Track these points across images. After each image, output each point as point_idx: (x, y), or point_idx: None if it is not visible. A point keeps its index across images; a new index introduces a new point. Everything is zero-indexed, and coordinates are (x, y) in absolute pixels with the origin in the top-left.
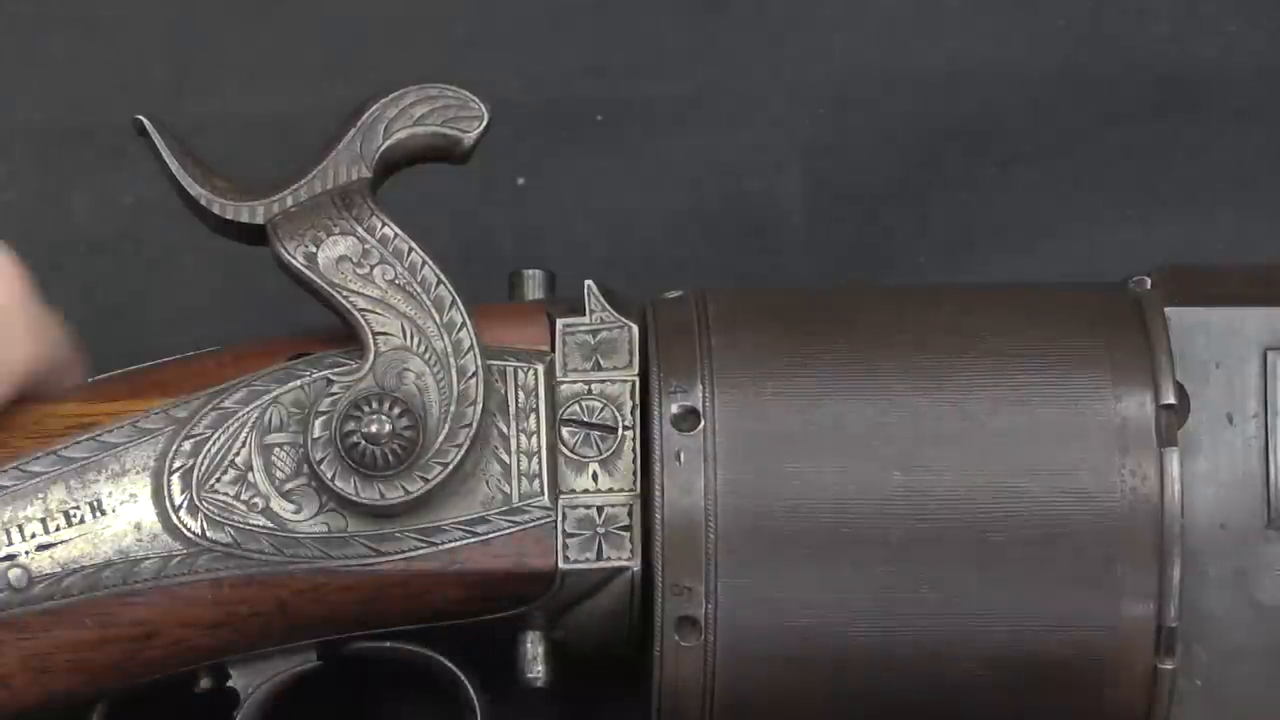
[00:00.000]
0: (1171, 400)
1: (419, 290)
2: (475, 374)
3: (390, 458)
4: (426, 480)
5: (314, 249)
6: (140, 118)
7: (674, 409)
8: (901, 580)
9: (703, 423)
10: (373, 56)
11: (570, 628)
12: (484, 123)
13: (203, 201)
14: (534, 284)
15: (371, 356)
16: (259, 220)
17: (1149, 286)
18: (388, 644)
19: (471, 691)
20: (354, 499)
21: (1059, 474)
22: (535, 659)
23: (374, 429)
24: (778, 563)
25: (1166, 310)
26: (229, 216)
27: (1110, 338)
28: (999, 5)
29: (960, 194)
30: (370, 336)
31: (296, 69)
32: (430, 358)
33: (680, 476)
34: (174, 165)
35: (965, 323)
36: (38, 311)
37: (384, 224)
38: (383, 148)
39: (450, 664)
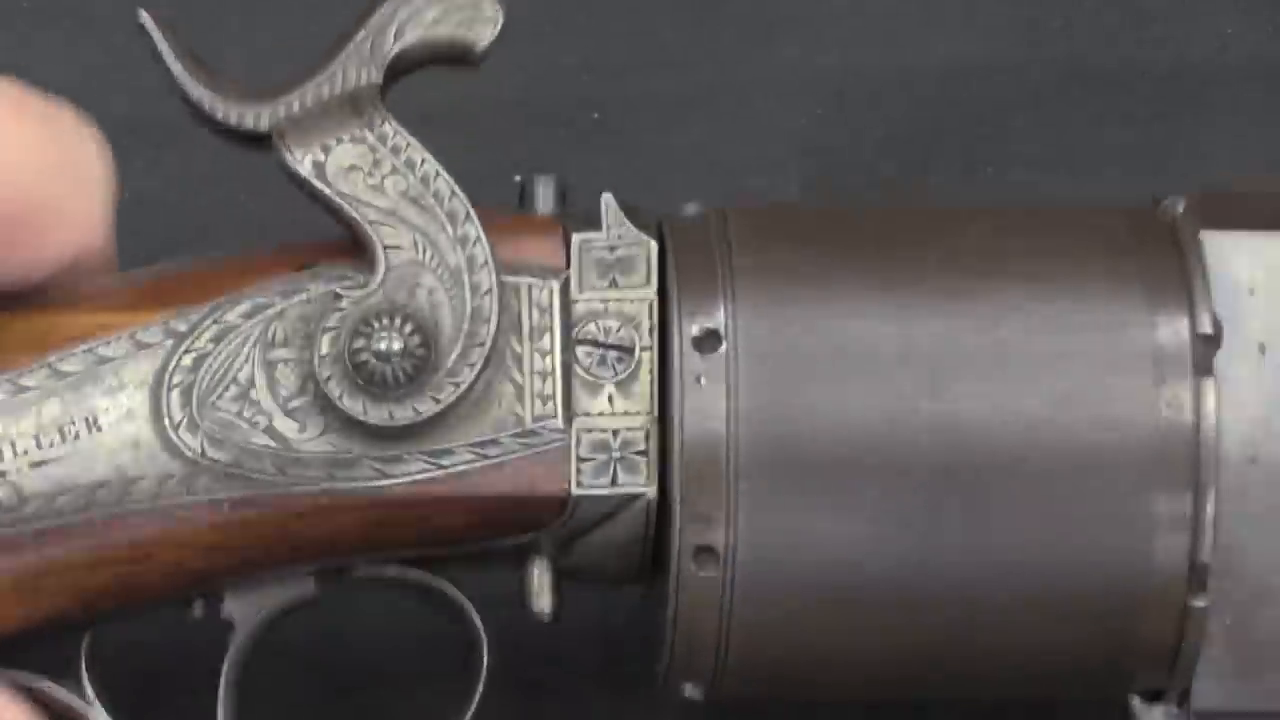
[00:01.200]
0: (1209, 329)
1: (432, 202)
2: (490, 290)
3: (401, 376)
4: (438, 400)
5: (322, 157)
6: (141, 12)
7: (694, 330)
8: (928, 511)
9: (724, 345)
10: None
11: (581, 556)
12: (498, 26)
13: (205, 105)
14: (546, 192)
15: (382, 271)
16: (264, 126)
17: (1182, 210)
18: (390, 569)
19: (476, 619)
20: (362, 419)
21: (1092, 403)
22: (542, 588)
23: (384, 346)
24: (801, 492)
25: (1201, 234)
26: (232, 122)
27: (1144, 262)
28: (998, 5)
29: (959, 192)
30: (381, 250)
31: (296, 69)
32: (443, 273)
33: (700, 400)
34: (175, 67)
35: (996, 245)
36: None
37: (396, 132)
38: (393, 51)
39: (455, 591)
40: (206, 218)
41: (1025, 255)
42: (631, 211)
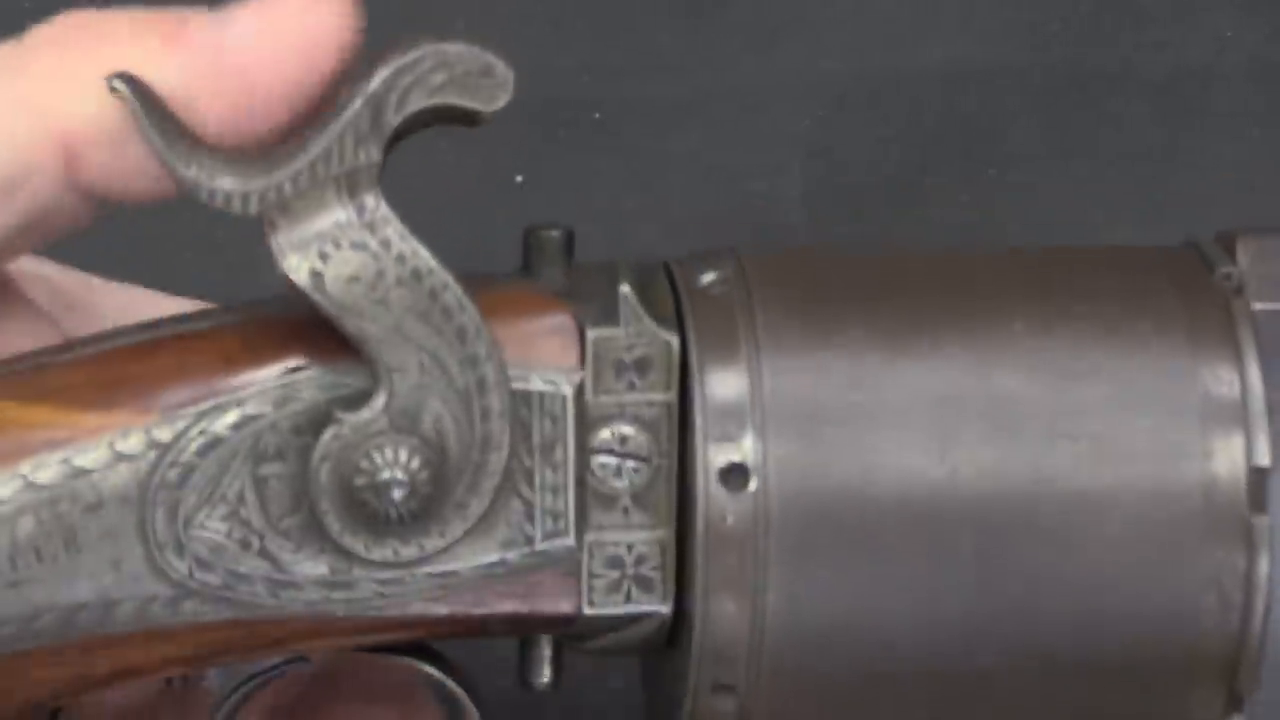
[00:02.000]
0: (1265, 463)
1: (439, 319)
2: (501, 414)
3: (405, 515)
4: (444, 536)
5: (321, 266)
6: (114, 81)
7: (720, 461)
8: (975, 580)
9: (754, 483)
10: (371, 54)
11: (585, 650)
12: (509, 91)
13: (188, 186)
14: (552, 249)
15: (385, 395)
16: (252, 211)
17: (1237, 285)
18: (381, 656)
19: (475, 712)
20: (364, 557)
21: (1144, 463)
22: (541, 665)
23: (388, 481)
24: (832, 600)
25: (1256, 308)
26: (218, 204)
27: (1198, 360)
28: (998, 6)
29: (960, 194)
30: (384, 371)
31: None
32: (450, 396)
33: (724, 532)
34: (158, 144)
35: (1043, 346)
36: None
37: (401, 236)
38: (395, 124)
39: (453, 684)
40: (208, 219)
41: (1073, 337)
42: (647, 284)
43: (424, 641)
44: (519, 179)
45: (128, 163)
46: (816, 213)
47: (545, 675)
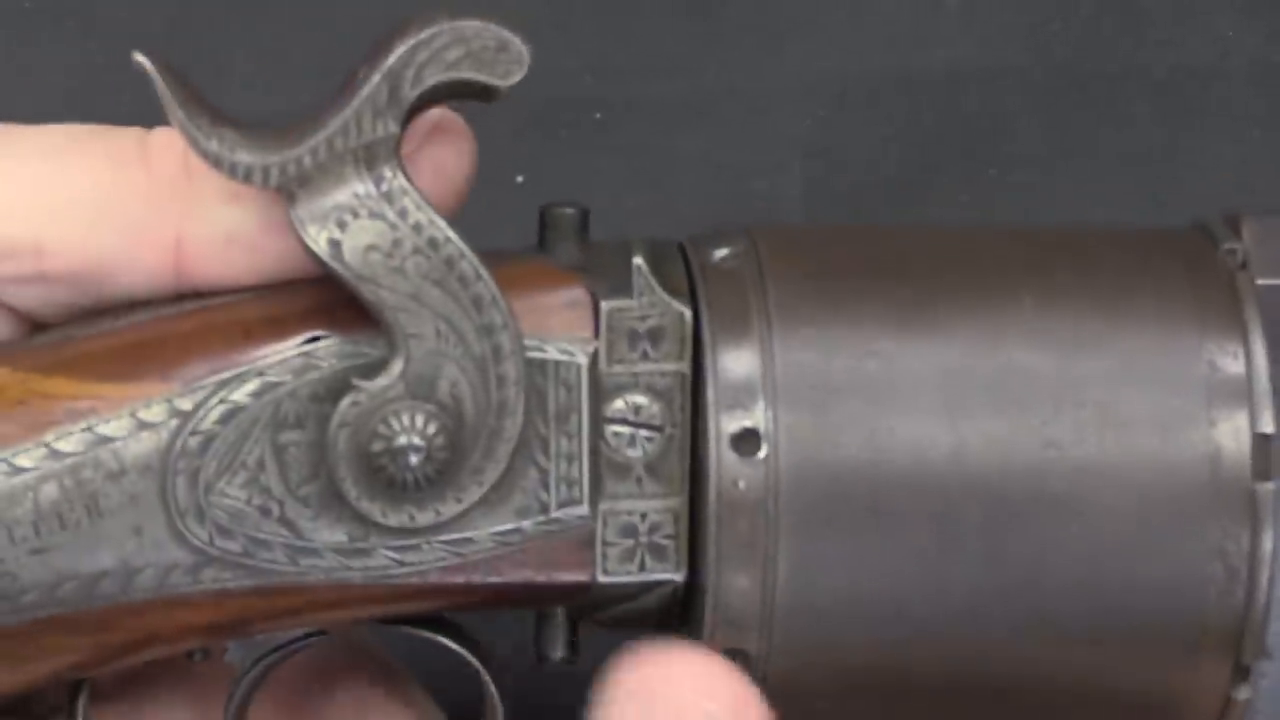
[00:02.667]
0: (1270, 430)
1: (456, 286)
2: (517, 382)
3: (421, 480)
4: (460, 501)
5: (339, 234)
6: (140, 58)
7: (732, 428)
8: (983, 551)
9: (765, 449)
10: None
11: (600, 620)
12: (525, 65)
13: (210, 159)
14: (567, 226)
15: (402, 361)
16: (272, 184)
17: (1241, 260)
18: (401, 628)
19: (492, 687)
20: (381, 522)
21: (1149, 436)
22: (557, 639)
23: (404, 447)
24: (846, 574)
25: (1259, 283)
26: (239, 177)
27: (1203, 333)
28: (998, 6)
29: (960, 194)
30: (401, 337)
31: (296, 69)
32: (466, 363)
33: (737, 497)
34: (180, 117)
35: (1053, 324)
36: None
37: (417, 206)
38: (412, 98)
39: (474, 659)
40: None
41: (1079, 310)
42: (661, 258)
43: (442, 615)
44: (520, 179)
45: (233, 268)
46: (816, 212)
47: (561, 649)
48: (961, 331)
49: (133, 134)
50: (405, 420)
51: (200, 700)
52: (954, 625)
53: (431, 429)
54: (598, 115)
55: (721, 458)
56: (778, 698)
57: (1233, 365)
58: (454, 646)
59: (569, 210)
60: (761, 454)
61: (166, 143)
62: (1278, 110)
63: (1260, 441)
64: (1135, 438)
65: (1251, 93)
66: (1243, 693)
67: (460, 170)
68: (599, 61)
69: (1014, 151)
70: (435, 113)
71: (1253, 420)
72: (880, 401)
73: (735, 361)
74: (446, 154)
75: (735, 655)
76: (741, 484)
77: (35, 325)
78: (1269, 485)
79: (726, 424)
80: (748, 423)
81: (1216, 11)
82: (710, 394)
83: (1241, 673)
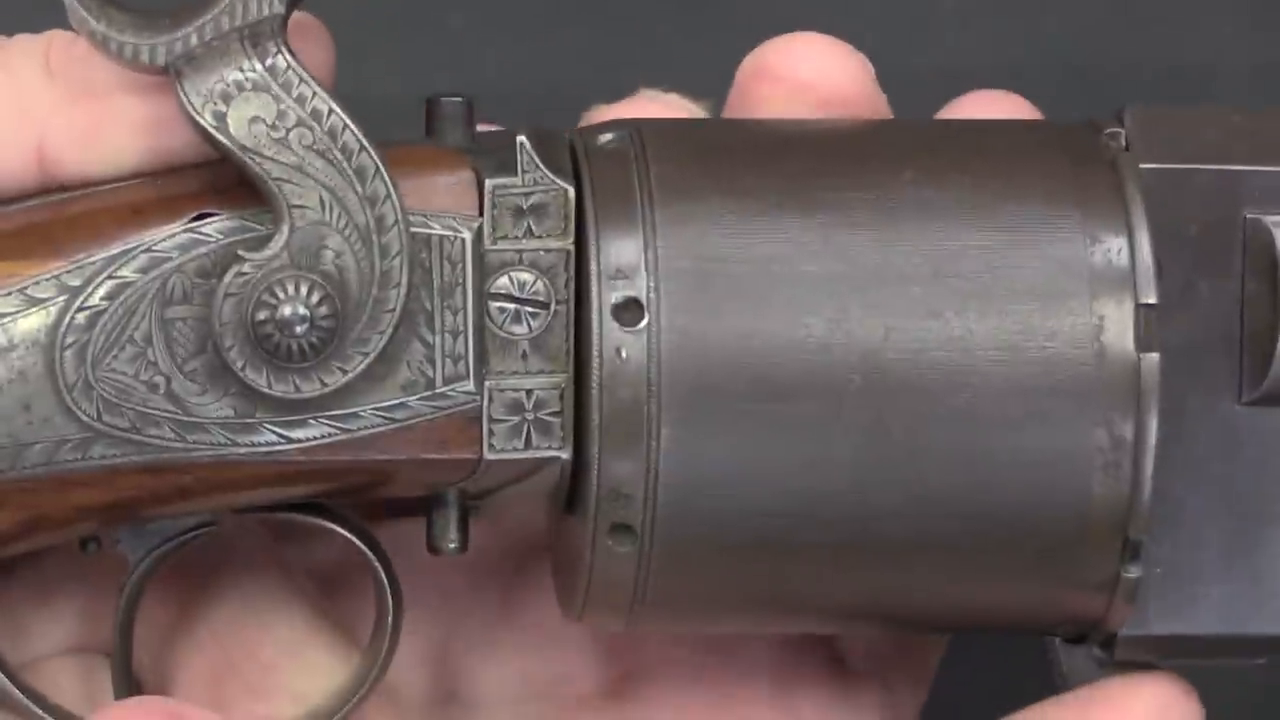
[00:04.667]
0: (1152, 300)
1: (339, 157)
2: (400, 252)
3: (306, 349)
4: (345, 371)
5: (224, 107)
6: None
7: (615, 298)
8: (862, 444)
9: (647, 317)
10: (369, 49)
11: (490, 504)
12: None
13: (97, 39)
14: (453, 115)
15: (286, 232)
16: (160, 61)
17: (1124, 143)
18: (289, 516)
19: (381, 573)
20: (266, 391)
21: (1030, 330)
22: (449, 527)
23: (289, 316)
24: (727, 441)
25: (1142, 167)
26: (126, 57)
27: (1082, 189)
28: (996, 7)
29: None
30: (285, 209)
31: None
32: (350, 234)
33: (620, 368)
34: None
35: (932, 171)
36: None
37: (301, 80)
38: None
39: (360, 543)
40: None
41: (961, 183)
42: (547, 142)
43: (330, 505)
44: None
45: (95, 167)
46: None
47: (454, 539)
48: (842, 203)
49: None
50: (290, 289)
51: (93, 594)
52: (838, 496)
53: (315, 298)
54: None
55: (604, 328)
56: (663, 571)
57: (1115, 239)
58: (341, 531)
59: (456, 99)
60: (643, 323)
61: (25, 47)
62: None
63: (1144, 312)
64: (1017, 307)
65: (1251, 92)
66: (1133, 570)
67: (324, 66)
68: (597, 57)
69: None
70: (294, 16)
71: (1136, 291)
72: (760, 273)
73: (618, 235)
74: (310, 51)
75: (620, 530)
76: (624, 353)
77: None
78: (1153, 356)
79: (609, 295)
80: (630, 292)
81: (1216, 9)
82: (593, 268)
83: (1131, 549)
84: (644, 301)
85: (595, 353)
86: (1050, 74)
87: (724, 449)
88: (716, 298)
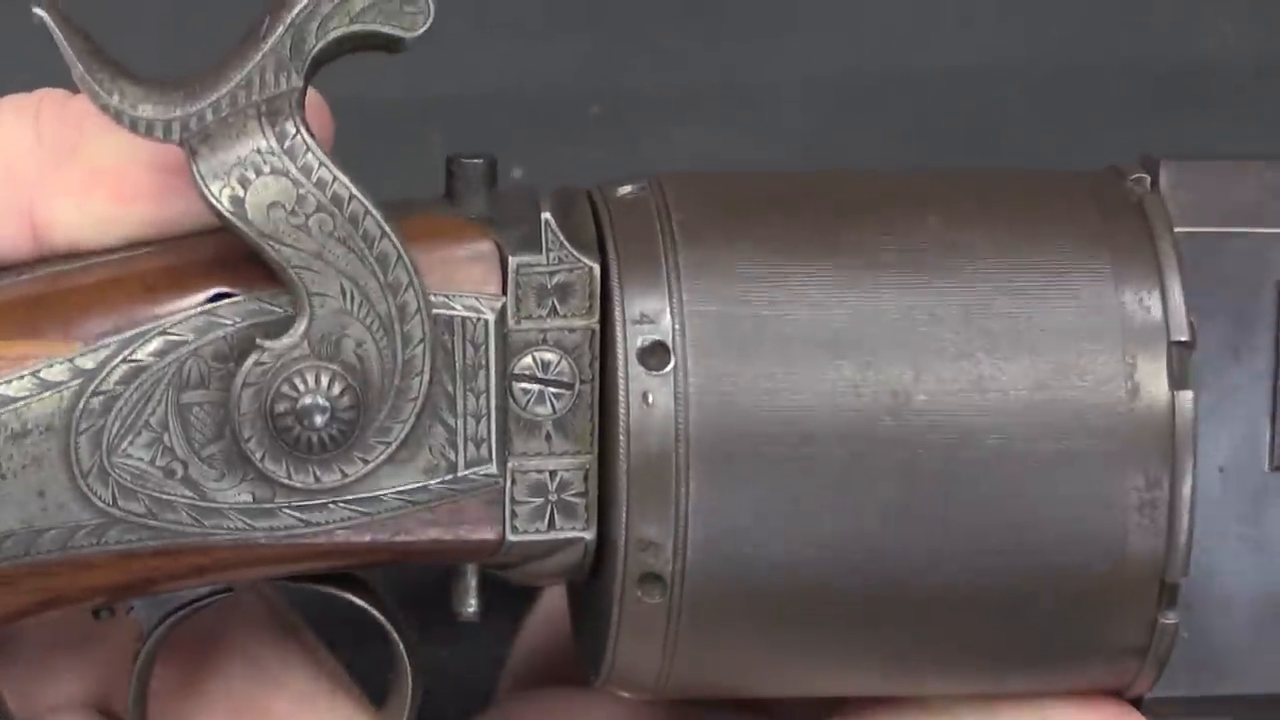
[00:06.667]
0: (1184, 338)
1: (361, 245)
2: (423, 340)
3: (327, 440)
4: (367, 461)
5: (241, 191)
6: (39, 11)
7: (640, 342)
8: (892, 500)
9: (673, 360)
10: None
11: (513, 576)
12: (430, 16)
13: (110, 113)
14: (474, 176)
15: (306, 321)
16: (174, 138)
17: (1146, 186)
18: (311, 586)
19: (401, 646)
20: (286, 483)
21: (1062, 383)
22: (467, 594)
23: (309, 409)
24: (755, 497)
25: (1177, 231)
26: (140, 132)
27: (1116, 244)
28: (998, 6)
29: None
30: (306, 296)
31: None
32: (372, 322)
33: (648, 420)
34: (80, 71)
35: (960, 221)
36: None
37: (320, 164)
38: (315, 49)
39: (380, 616)
40: None
41: (988, 226)
42: (570, 210)
43: (350, 571)
44: (517, 173)
45: (89, 234)
46: None
47: (472, 605)
48: (867, 246)
49: None
50: (310, 381)
51: (105, 659)
52: (869, 548)
53: (337, 389)
54: (595, 109)
55: (630, 372)
56: (693, 623)
57: (1145, 280)
58: (360, 603)
59: (477, 160)
60: (669, 366)
61: (14, 105)
62: (1278, 105)
63: (1177, 350)
64: (1048, 347)
65: (1252, 90)
66: (1170, 616)
67: (325, 145)
68: (596, 55)
69: (1013, 148)
70: None
71: (1169, 330)
72: (786, 316)
73: (642, 281)
74: (313, 128)
75: (650, 580)
76: (651, 398)
77: None
78: (1187, 393)
79: (635, 340)
80: (656, 336)
81: (1216, 7)
82: (618, 314)
83: (1169, 593)
84: (670, 345)
85: (621, 398)
86: (1050, 74)
87: (753, 494)
88: (743, 342)
